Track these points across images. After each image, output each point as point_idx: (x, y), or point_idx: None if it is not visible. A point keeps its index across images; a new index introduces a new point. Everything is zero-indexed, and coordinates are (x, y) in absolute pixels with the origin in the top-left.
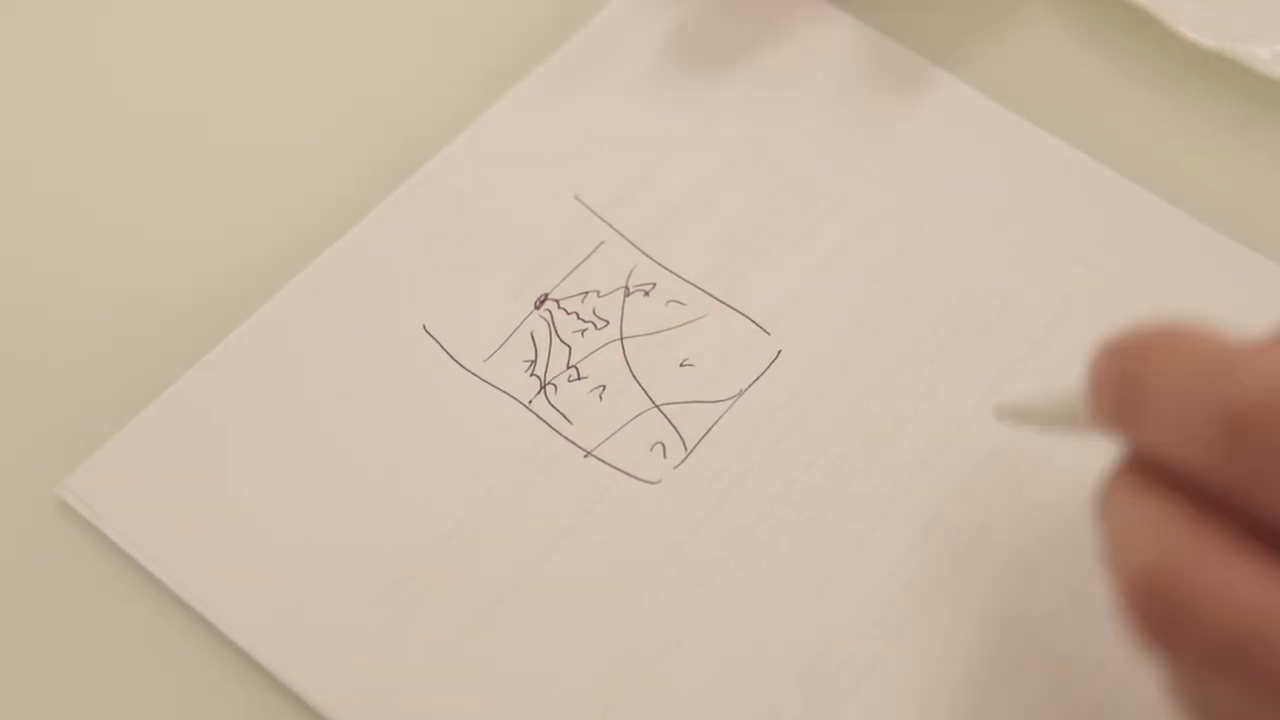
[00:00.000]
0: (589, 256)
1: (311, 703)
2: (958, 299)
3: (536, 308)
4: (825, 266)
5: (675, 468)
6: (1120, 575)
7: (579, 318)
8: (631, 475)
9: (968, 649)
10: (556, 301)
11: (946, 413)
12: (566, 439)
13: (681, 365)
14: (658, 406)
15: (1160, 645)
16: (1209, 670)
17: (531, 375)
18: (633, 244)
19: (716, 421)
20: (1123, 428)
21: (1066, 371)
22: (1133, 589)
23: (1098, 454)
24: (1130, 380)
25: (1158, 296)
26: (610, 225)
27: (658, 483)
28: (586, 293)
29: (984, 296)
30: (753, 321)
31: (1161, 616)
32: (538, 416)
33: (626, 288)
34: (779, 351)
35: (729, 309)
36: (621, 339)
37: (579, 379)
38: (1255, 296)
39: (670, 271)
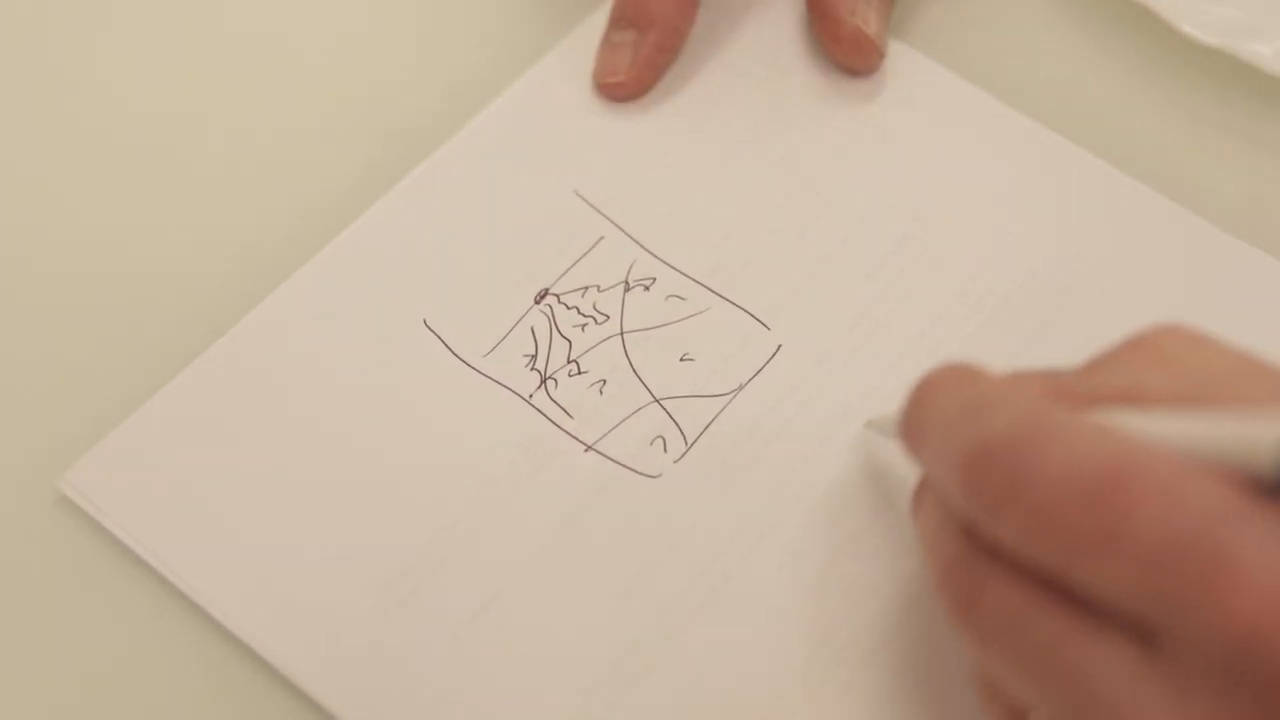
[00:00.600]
0: (589, 251)
1: (310, 693)
2: (958, 293)
3: (537, 302)
4: (825, 261)
5: (675, 462)
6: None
7: (579, 312)
8: (632, 469)
9: None
10: (557, 296)
11: None
12: (567, 433)
13: (682, 360)
14: (658, 401)
15: (956, 627)
16: (979, 646)
17: (532, 369)
18: (633, 239)
19: (717, 416)
20: (910, 451)
21: (1061, 359)
22: (933, 583)
23: None
24: (915, 411)
25: (1157, 292)
26: (610, 220)
27: (658, 477)
28: (587, 288)
29: (983, 291)
30: (753, 316)
31: (952, 607)
32: (538, 410)
33: (627, 283)
34: (779, 346)
35: (729, 304)
36: (622, 333)
37: (579, 373)
38: (1253, 291)
39: (670, 266)
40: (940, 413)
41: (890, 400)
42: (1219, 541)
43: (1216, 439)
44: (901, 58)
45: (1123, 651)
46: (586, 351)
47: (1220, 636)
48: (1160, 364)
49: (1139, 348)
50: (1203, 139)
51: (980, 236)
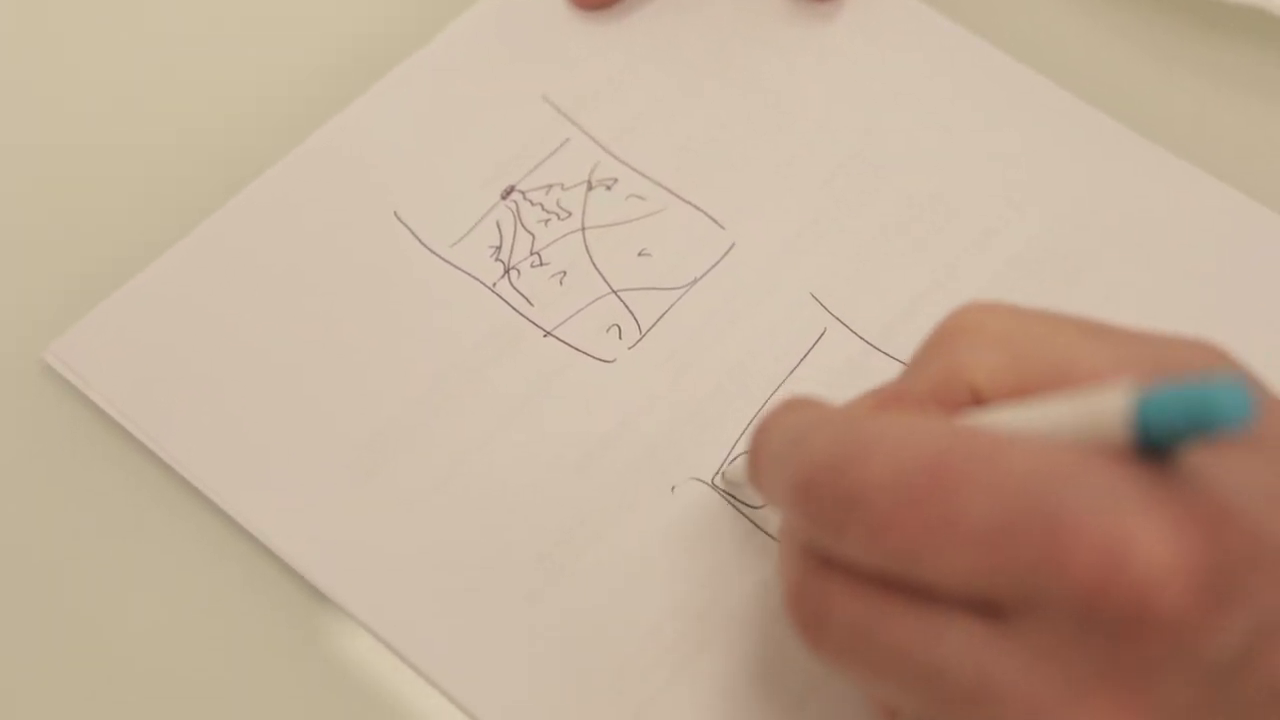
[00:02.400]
0: (555, 152)
1: (284, 556)
2: (906, 203)
3: (503, 198)
4: (780, 169)
5: (630, 348)
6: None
7: (543, 208)
8: (588, 354)
9: None
10: (522, 193)
11: (891, 306)
12: (528, 319)
13: (639, 255)
14: (615, 292)
15: (810, 649)
16: (836, 663)
17: (496, 260)
18: (596, 142)
19: (671, 307)
20: (758, 490)
21: (1005, 274)
22: (784, 611)
23: None
24: (754, 451)
25: (1100, 208)
26: (576, 125)
27: (613, 361)
28: (551, 185)
29: (931, 201)
30: (709, 216)
31: (803, 631)
32: (501, 298)
33: (589, 182)
34: (732, 244)
35: (686, 204)
36: (583, 229)
37: (541, 265)
38: (1200, 214)
39: (632, 168)
40: (772, 447)
41: (838, 297)
42: (1048, 507)
43: (1064, 417)
44: None
45: (972, 633)
46: (549, 245)
47: (1066, 596)
48: (977, 340)
49: (951, 332)
50: (1174, 75)
51: (930, 151)
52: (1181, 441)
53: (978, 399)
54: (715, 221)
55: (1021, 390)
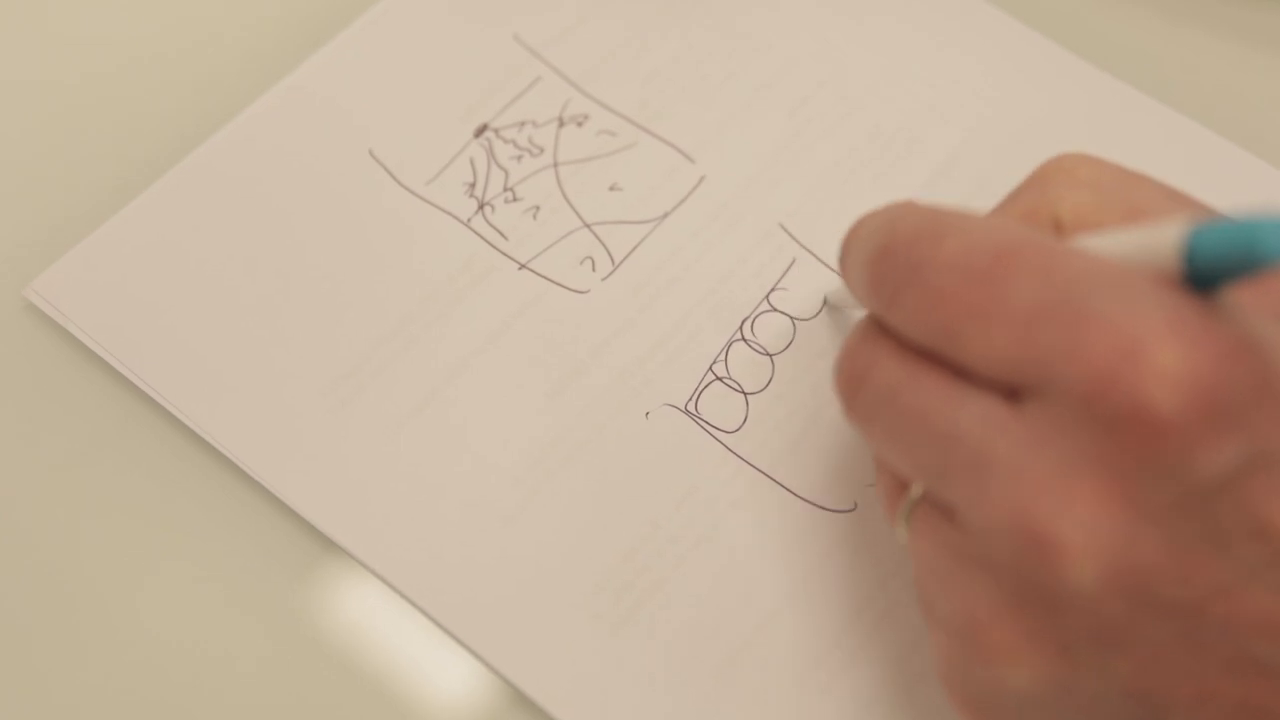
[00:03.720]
0: (526, 91)
1: (263, 481)
2: (871, 134)
3: (476, 136)
4: (747, 103)
5: (603, 280)
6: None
7: (515, 145)
8: (562, 285)
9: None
10: (495, 131)
11: None
12: (502, 253)
13: (611, 189)
14: (588, 225)
15: (845, 409)
16: (864, 424)
17: (470, 196)
18: (567, 80)
19: (643, 240)
20: (844, 277)
21: (965, 196)
22: (836, 379)
23: None
24: (847, 236)
25: (1054, 135)
26: (547, 63)
27: (586, 292)
28: (523, 123)
29: (895, 130)
30: (679, 150)
31: (843, 390)
32: (475, 233)
33: (560, 119)
34: (702, 178)
35: (656, 139)
36: (555, 165)
37: (515, 200)
38: (1150, 140)
39: (602, 105)
40: (862, 231)
41: (805, 224)
42: (1084, 302)
43: (1126, 245)
44: None
45: (990, 408)
46: (522, 181)
47: (1075, 383)
48: (1068, 180)
49: (1045, 172)
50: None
51: (894, 82)
52: (1228, 275)
53: (1060, 232)
54: (685, 155)
55: (1099, 226)
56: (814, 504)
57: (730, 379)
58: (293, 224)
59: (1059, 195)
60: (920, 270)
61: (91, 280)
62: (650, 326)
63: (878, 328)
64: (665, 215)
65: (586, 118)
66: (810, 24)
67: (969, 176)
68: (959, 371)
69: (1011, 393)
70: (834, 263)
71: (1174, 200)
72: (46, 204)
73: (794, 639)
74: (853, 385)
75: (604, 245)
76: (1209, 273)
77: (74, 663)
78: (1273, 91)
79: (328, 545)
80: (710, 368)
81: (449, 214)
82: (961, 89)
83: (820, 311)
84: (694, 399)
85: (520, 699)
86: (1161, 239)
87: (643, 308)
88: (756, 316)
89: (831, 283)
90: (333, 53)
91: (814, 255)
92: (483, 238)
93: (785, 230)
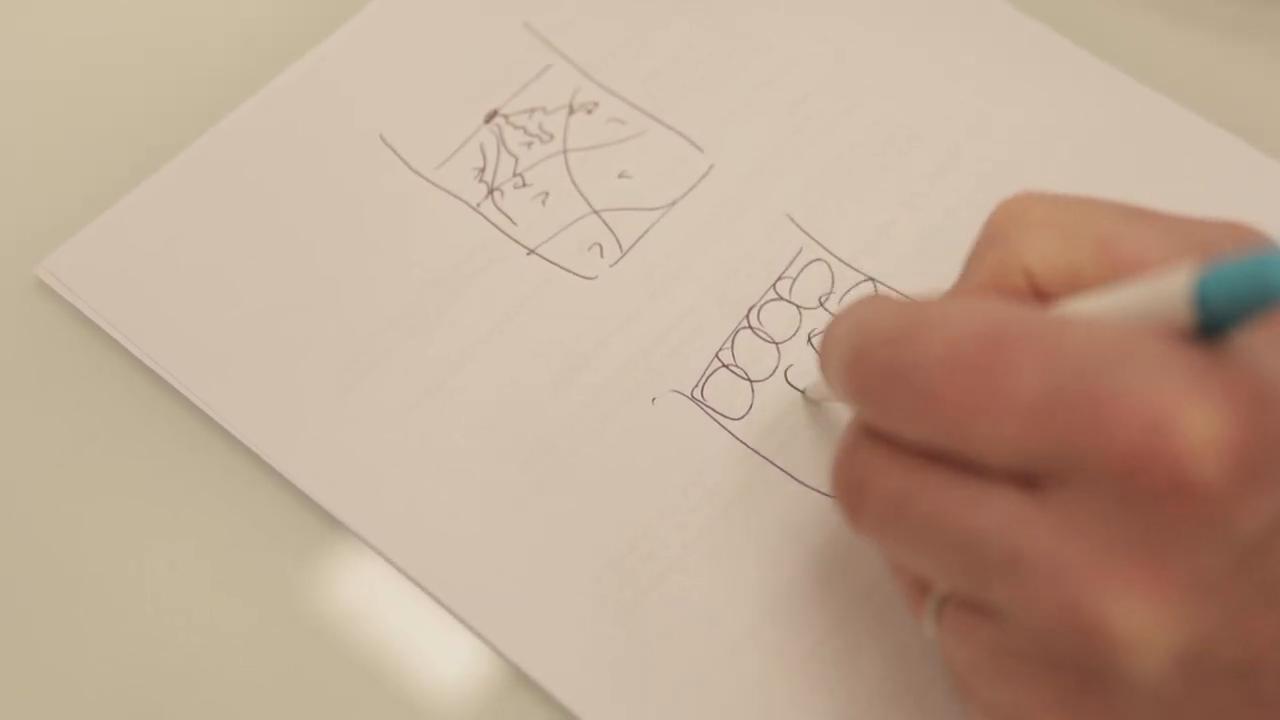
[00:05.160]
0: (537, 78)
1: (268, 459)
2: (878, 126)
3: (486, 122)
4: (755, 93)
5: (611, 266)
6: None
7: (526, 132)
8: (570, 271)
9: None
10: (505, 117)
11: (864, 225)
12: (511, 238)
13: (620, 177)
14: (596, 212)
15: (852, 523)
16: (875, 536)
17: (480, 181)
18: (578, 68)
19: (651, 227)
20: (823, 373)
21: (967, 191)
22: (834, 489)
23: None
24: (824, 336)
25: (1055, 129)
26: (557, 51)
27: (594, 278)
28: (534, 109)
29: (901, 124)
30: (688, 139)
31: (846, 503)
32: (484, 218)
33: (570, 106)
34: (710, 167)
35: (666, 128)
36: (565, 152)
37: (524, 186)
38: (1149, 131)
39: (612, 93)
40: (837, 332)
41: (811, 215)
42: (1097, 380)
43: (1127, 302)
44: None
45: (1009, 503)
46: (531, 167)
47: (1105, 465)
48: (1024, 226)
49: (999, 224)
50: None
51: (899, 76)
52: (1241, 318)
53: (1033, 283)
54: (694, 144)
55: (1072, 270)
56: (819, 491)
57: (736, 366)
58: (304, 207)
59: (1021, 244)
60: (905, 374)
61: (103, 259)
62: (657, 313)
63: (870, 431)
64: (673, 203)
65: (596, 105)
66: (815, 21)
67: (970, 172)
68: (968, 466)
69: (1029, 481)
70: (841, 253)
71: (1135, 221)
72: (60, 184)
73: (797, 625)
74: (854, 496)
75: (612, 232)
76: (1221, 319)
77: (82, 640)
78: (1265, 82)
79: (334, 525)
80: (716, 355)
81: (458, 198)
82: (962, 85)
83: (805, 396)
84: (700, 385)
85: (523, 680)
86: (1165, 291)
87: (650, 294)
88: (763, 305)
89: (843, 277)
90: (346, 37)
91: (821, 245)
92: (492, 223)
93: (792, 220)
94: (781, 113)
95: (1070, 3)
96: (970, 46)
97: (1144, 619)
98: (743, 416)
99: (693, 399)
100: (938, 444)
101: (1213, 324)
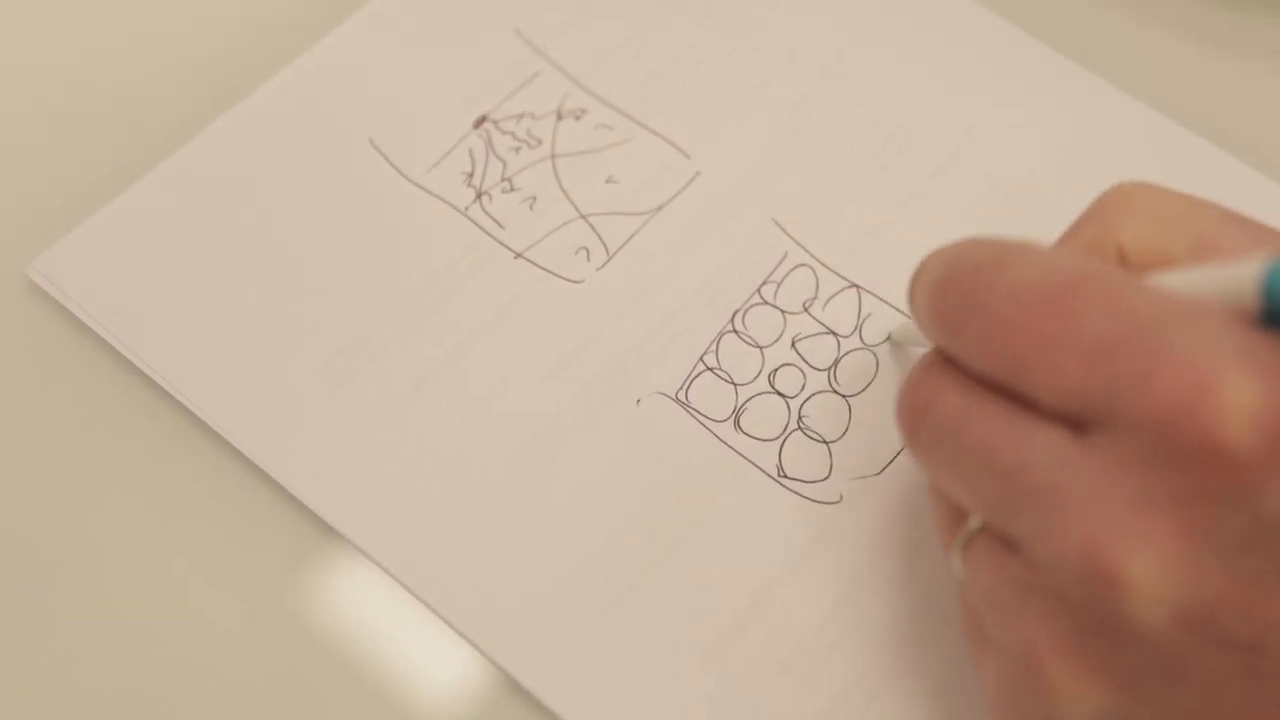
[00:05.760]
0: (526, 84)
1: (255, 460)
2: (866, 134)
3: (475, 127)
4: (746, 100)
5: (598, 270)
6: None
7: (514, 137)
8: (557, 275)
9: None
10: (494, 122)
11: (850, 232)
12: (498, 241)
13: (607, 182)
14: (583, 216)
15: (907, 442)
16: (926, 455)
17: (469, 186)
18: (566, 75)
19: (637, 231)
20: (909, 303)
21: (966, 195)
22: (899, 412)
23: None
24: (917, 270)
25: (1049, 136)
26: (546, 58)
27: (581, 282)
28: (522, 115)
29: (891, 132)
30: (674, 146)
31: (906, 422)
32: (473, 222)
33: (559, 112)
34: (697, 173)
35: (653, 134)
36: (553, 157)
37: (512, 190)
38: (1138, 143)
39: (600, 100)
40: (930, 263)
41: (802, 220)
42: (1155, 335)
43: (1202, 281)
44: None
45: (1057, 441)
46: (519, 172)
47: (1146, 416)
48: (1127, 210)
49: (1104, 205)
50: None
51: (896, 78)
52: None
53: (1124, 262)
54: (681, 150)
55: (1164, 258)
56: (800, 495)
57: (720, 369)
58: (293, 210)
59: (1119, 225)
60: (986, 299)
61: (94, 260)
62: (643, 316)
63: (942, 360)
64: (660, 208)
65: (585, 112)
66: (809, 23)
67: (967, 177)
68: (1025, 404)
69: (1078, 425)
70: (826, 259)
71: (1237, 226)
72: (51, 184)
73: (778, 626)
74: (916, 417)
75: (599, 236)
76: None
77: (68, 645)
78: (1248, 92)
79: (322, 526)
80: (701, 358)
81: (447, 202)
82: (958, 91)
83: (884, 341)
84: (685, 388)
85: (516, 686)
86: (1238, 276)
87: (636, 298)
88: (748, 309)
89: (828, 282)
90: (336, 41)
91: (806, 250)
92: (479, 226)
93: (778, 225)
94: (772, 118)
95: (1065, 16)
96: (967, 54)
97: (1156, 570)
98: (727, 419)
99: (677, 401)
100: (1002, 376)
101: (1277, 314)
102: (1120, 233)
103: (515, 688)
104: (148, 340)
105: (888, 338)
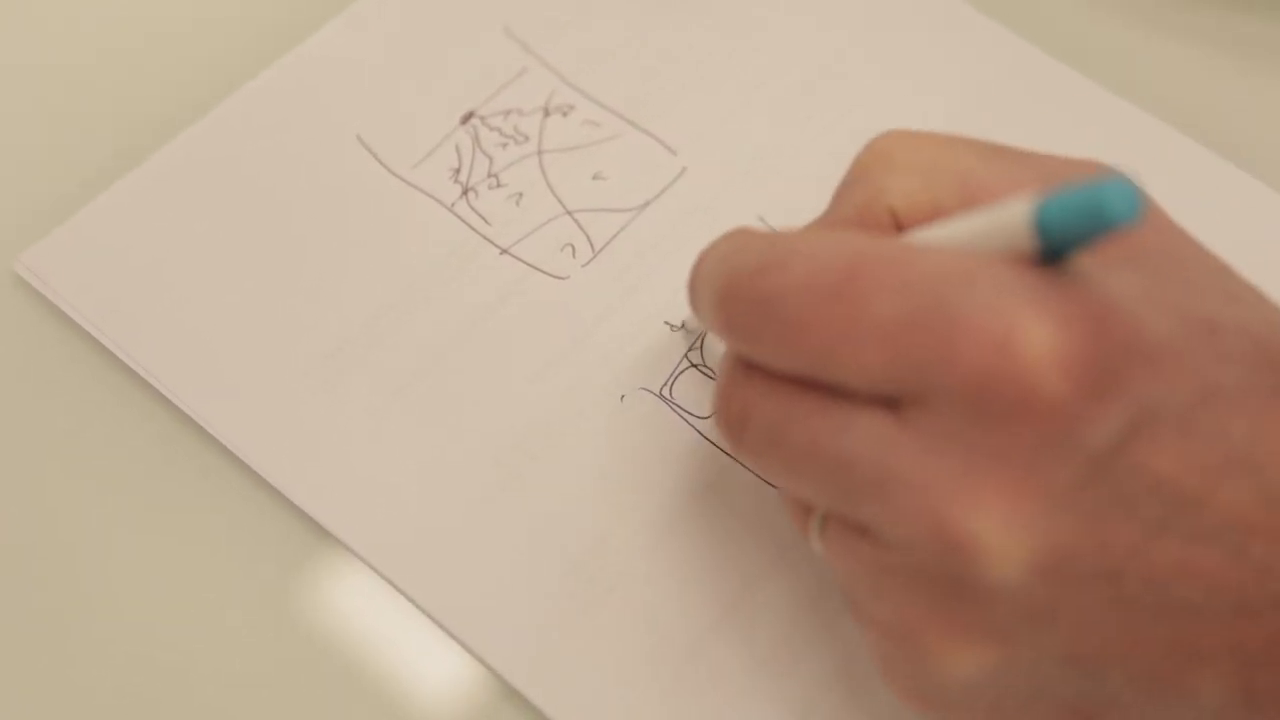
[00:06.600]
0: (513, 81)
1: (241, 456)
2: (851, 134)
3: (462, 123)
4: (734, 98)
5: (583, 266)
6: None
7: (501, 133)
8: (542, 271)
9: None
10: (481, 118)
11: None
12: (484, 237)
13: (593, 178)
14: (569, 213)
15: (735, 452)
16: (757, 464)
17: (455, 182)
18: (554, 71)
19: (623, 228)
20: (694, 309)
21: None
22: (718, 423)
23: None
24: (692, 272)
25: (1041, 139)
26: (534, 54)
27: (566, 278)
28: (509, 111)
29: (877, 133)
30: (661, 143)
31: (728, 435)
32: (459, 218)
33: (546, 109)
34: (683, 170)
35: (640, 131)
36: (539, 153)
37: (498, 186)
38: (1124, 141)
39: (587, 96)
40: (705, 267)
41: (787, 218)
42: (946, 304)
43: (973, 231)
44: None
45: (876, 425)
46: (506, 168)
47: (957, 385)
48: (889, 166)
49: (865, 164)
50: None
51: (880, 87)
52: (1079, 243)
53: (897, 222)
54: (667, 148)
55: (935, 207)
56: None
57: (705, 366)
58: (280, 205)
59: (886, 183)
60: (774, 304)
61: (81, 256)
62: (628, 312)
63: (745, 364)
64: (646, 205)
65: (572, 108)
66: (798, 24)
67: None
68: (837, 392)
69: (893, 404)
70: None
71: (996, 158)
72: (38, 179)
73: (761, 621)
74: (736, 430)
75: (585, 232)
76: (1060, 244)
77: (58, 647)
78: (1246, 99)
79: (309, 523)
80: (685, 355)
81: (433, 198)
82: (953, 97)
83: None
84: (669, 384)
85: (506, 683)
86: (1009, 219)
87: (621, 294)
88: None
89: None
90: (324, 38)
91: None
92: (465, 222)
93: (764, 222)
94: (758, 119)
95: (1060, 20)
96: (958, 59)
97: (1001, 531)
98: (710, 415)
99: (661, 397)
100: (807, 372)
101: (1053, 250)
102: (888, 195)
103: (508, 689)
104: (134, 336)
105: (681, 326)
